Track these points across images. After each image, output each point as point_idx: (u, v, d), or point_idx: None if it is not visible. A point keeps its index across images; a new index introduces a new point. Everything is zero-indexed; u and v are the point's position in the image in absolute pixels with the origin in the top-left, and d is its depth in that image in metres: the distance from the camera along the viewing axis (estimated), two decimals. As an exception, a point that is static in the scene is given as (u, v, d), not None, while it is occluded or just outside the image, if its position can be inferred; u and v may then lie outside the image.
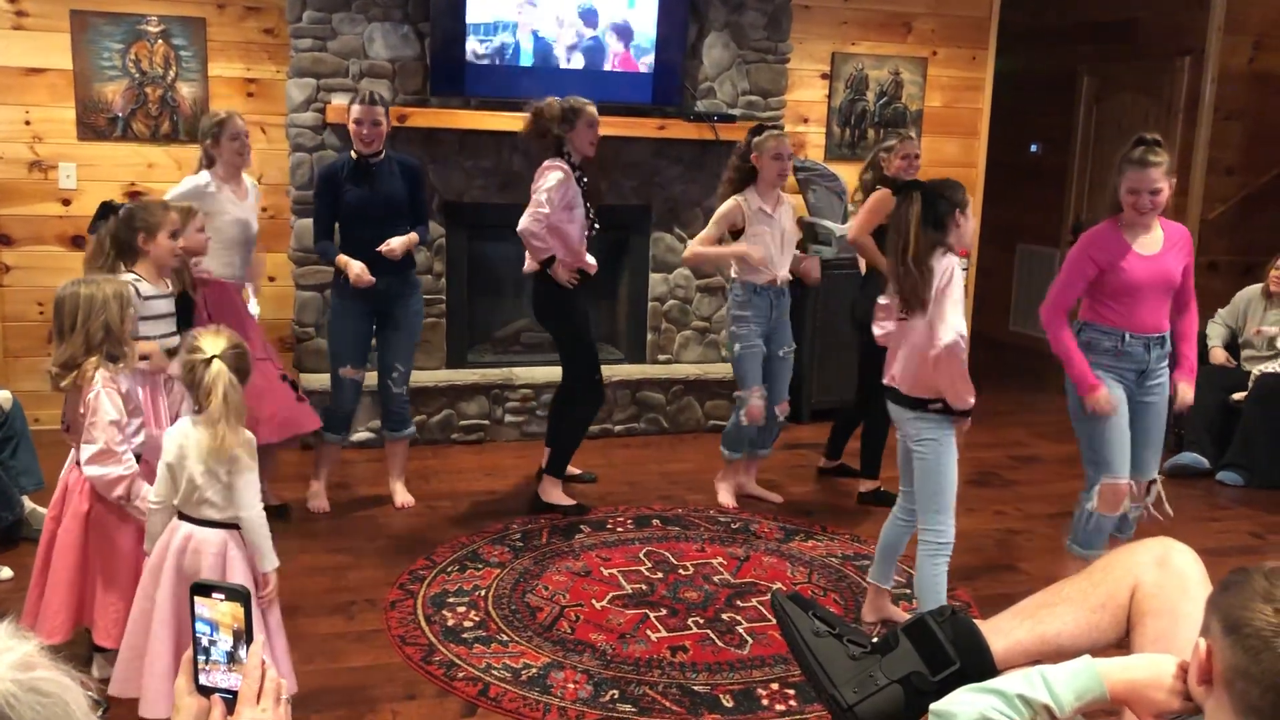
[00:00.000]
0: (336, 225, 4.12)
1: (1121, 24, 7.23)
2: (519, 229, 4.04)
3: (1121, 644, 1.87)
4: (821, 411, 5.62)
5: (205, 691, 1.25)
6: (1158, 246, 3.31)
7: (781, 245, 4.24)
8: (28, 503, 3.89)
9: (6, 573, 3.56)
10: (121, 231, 3.15)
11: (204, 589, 1.21)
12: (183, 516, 2.54)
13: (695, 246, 4.26)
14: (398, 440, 4.34)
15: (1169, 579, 1.85)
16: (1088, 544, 3.48)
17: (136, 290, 3.02)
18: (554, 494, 4.29)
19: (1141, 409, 3.41)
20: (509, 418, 5.24)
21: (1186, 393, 3.50)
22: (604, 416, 5.38)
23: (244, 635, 1.21)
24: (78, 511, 2.79)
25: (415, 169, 4.23)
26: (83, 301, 2.72)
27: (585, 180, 4.21)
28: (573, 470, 4.57)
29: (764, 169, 4.15)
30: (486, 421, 5.24)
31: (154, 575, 2.54)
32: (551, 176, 4.04)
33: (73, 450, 2.87)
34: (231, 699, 1.22)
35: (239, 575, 2.51)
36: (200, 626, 1.22)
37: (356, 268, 3.97)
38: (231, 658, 1.22)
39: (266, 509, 2.65)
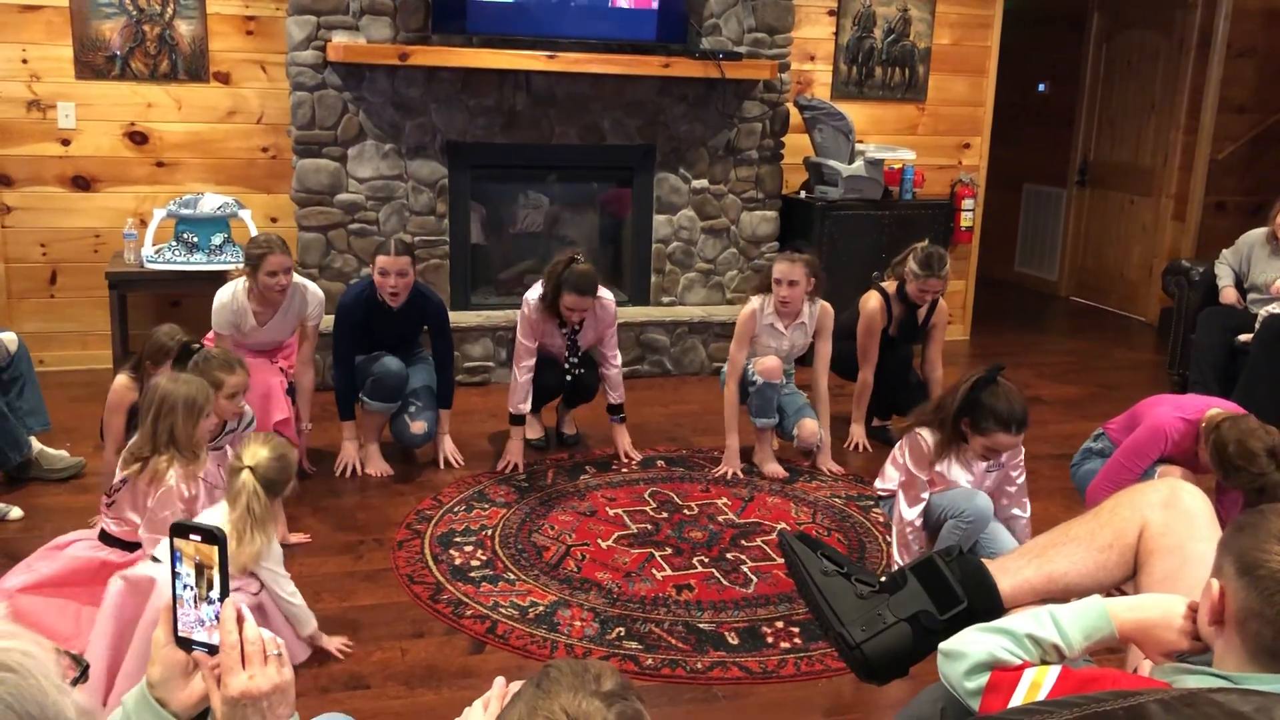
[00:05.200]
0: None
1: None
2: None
3: (1129, 583, 1.88)
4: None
5: (184, 644, 1.21)
6: None
7: (790, 352, 4.22)
8: (35, 443, 3.91)
9: (16, 512, 3.57)
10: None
11: (182, 529, 1.19)
12: None
13: (729, 382, 4.14)
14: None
15: (1176, 519, 1.86)
16: None
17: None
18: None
19: None
20: (513, 359, 5.23)
21: None
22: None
23: (222, 585, 1.18)
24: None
25: (439, 311, 4.12)
26: (157, 398, 2.77)
27: (567, 331, 4.17)
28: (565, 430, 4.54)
29: (775, 292, 4.06)
30: (491, 363, 5.24)
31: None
32: (520, 314, 4.14)
33: (101, 518, 2.90)
34: (210, 652, 1.19)
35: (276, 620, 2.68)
36: (179, 568, 1.19)
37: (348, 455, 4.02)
38: (209, 602, 1.19)
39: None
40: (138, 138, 5.07)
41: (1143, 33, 7.24)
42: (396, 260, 3.84)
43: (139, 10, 4.92)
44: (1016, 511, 3.15)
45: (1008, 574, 1.89)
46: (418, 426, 4.05)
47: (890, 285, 4.43)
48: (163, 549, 2.53)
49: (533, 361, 4.11)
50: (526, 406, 4.12)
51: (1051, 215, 8.08)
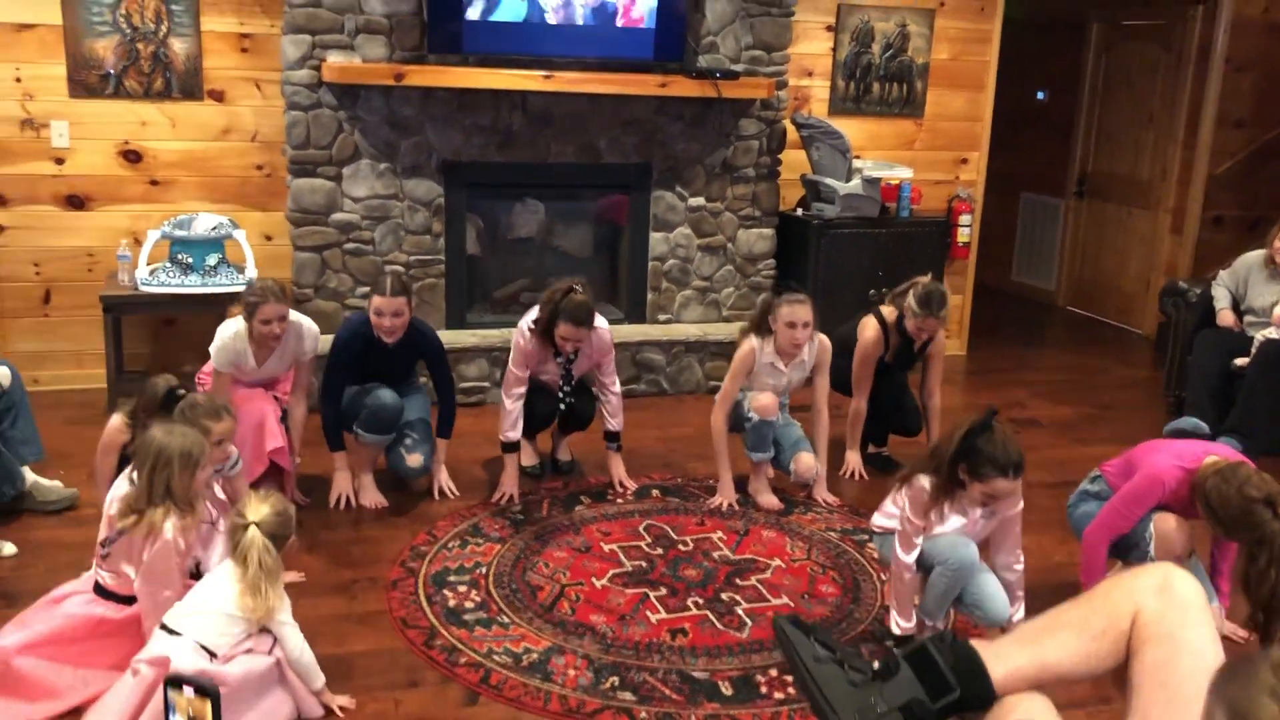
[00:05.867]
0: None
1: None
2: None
3: (1122, 671, 1.88)
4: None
5: None
6: None
7: (784, 390, 4.21)
8: (29, 474, 3.90)
9: (10, 549, 3.56)
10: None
11: (177, 682, 1.19)
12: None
13: (716, 412, 4.13)
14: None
15: (1170, 606, 1.85)
16: None
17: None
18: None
19: None
20: (509, 379, 5.22)
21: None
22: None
23: None
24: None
25: (435, 346, 4.11)
26: (153, 451, 2.74)
27: (562, 360, 4.16)
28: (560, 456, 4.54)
29: (778, 333, 4.01)
30: (486, 384, 5.23)
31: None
32: (514, 342, 4.11)
33: (96, 571, 2.89)
34: None
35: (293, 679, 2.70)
36: None
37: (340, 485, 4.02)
38: None
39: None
40: (132, 156, 5.04)
41: (1142, 45, 7.21)
42: (392, 301, 3.83)
43: (133, 28, 4.88)
44: (1016, 568, 3.12)
45: (1000, 660, 1.88)
46: (414, 460, 4.04)
47: (890, 314, 4.42)
48: (171, 645, 2.54)
49: (524, 390, 4.10)
50: (516, 434, 4.11)
51: (1049, 225, 8.07)
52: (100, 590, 2.84)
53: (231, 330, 3.83)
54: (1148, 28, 7.13)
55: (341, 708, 2.77)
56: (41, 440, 3.98)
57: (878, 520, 3.29)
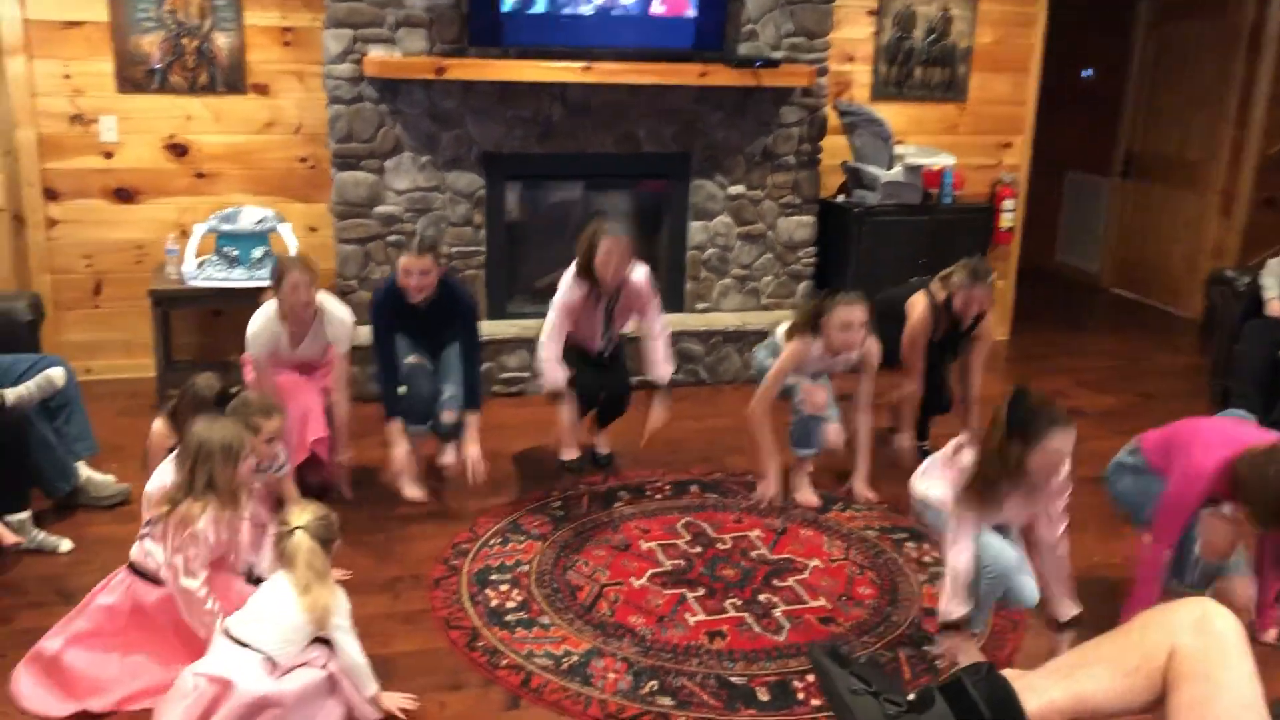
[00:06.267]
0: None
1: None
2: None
3: (1157, 707, 1.89)
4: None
5: None
6: None
7: (828, 378, 4.21)
8: (83, 469, 4.00)
9: (66, 545, 3.66)
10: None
11: None
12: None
13: (757, 406, 4.08)
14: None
15: (1208, 643, 1.86)
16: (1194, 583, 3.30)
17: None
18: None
19: None
20: (549, 369, 5.27)
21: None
22: (641, 368, 5.38)
23: None
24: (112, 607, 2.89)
25: (467, 310, 4.13)
26: (195, 444, 2.79)
27: (605, 304, 4.16)
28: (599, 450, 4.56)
29: (830, 335, 3.95)
30: (527, 374, 5.28)
31: None
32: (556, 300, 4.11)
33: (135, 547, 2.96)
34: None
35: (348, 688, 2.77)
36: None
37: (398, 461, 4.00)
38: None
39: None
40: (178, 150, 5.11)
41: (1193, 22, 7.06)
42: (418, 259, 3.86)
43: (178, 24, 4.94)
44: (1060, 552, 3.10)
45: (1035, 694, 1.90)
46: (448, 415, 4.08)
47: (939, 293, 4.38)
48: (237, 660, 2.61)
49: (563, 342, 4.09)
50: (564, 374, 4.07)
51: (1094, 205, 7.96)
52: (136, 570, 2.90)
53: (264, 314, 3.89)
54: (1199, 4, 6.98)
55: (401, 709, 2.83)
56: (94, 434, 4.09)
57: (920, 487, 3.25)
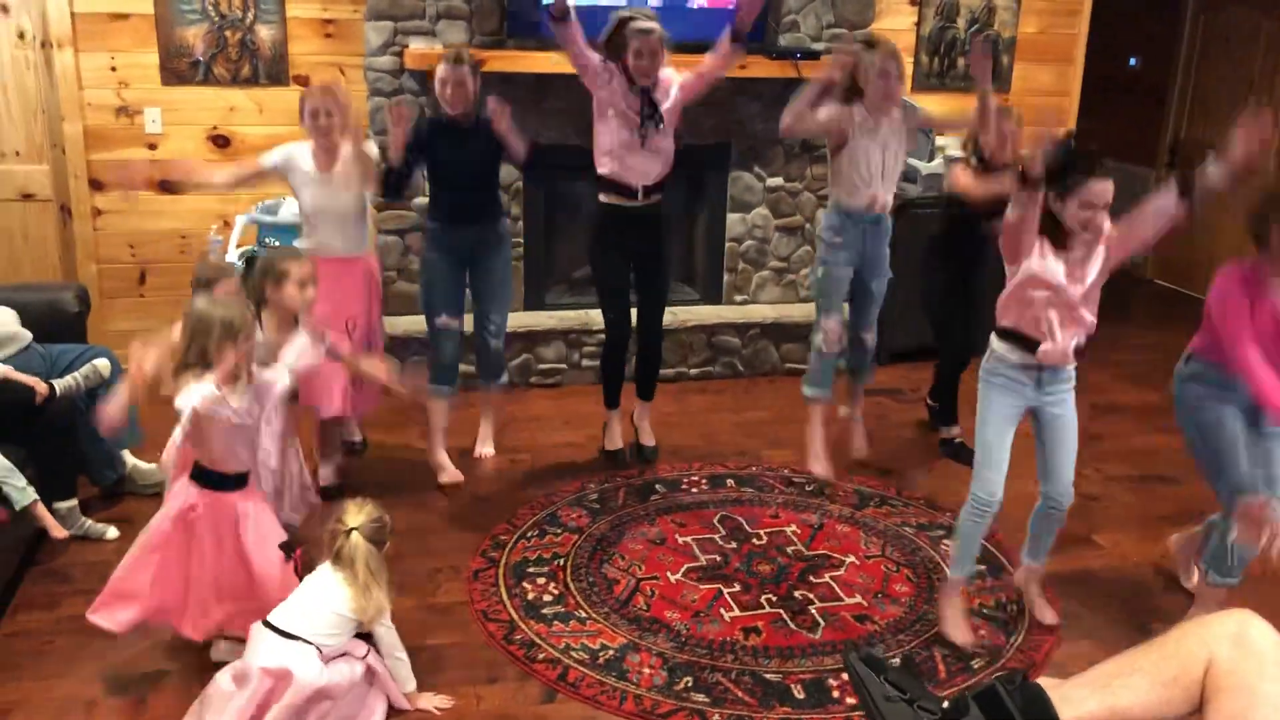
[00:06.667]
0: (426, 181, 4.22)
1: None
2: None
3: (1194, 719, 1.89)
4: (900, 354, 5.57)
5: None
6: None
7: (883, 167, 4.01)
8: (129, 458, 4.07)
9: (113, 532, 3.74)
10: (254, 279, 3.26)
11: None
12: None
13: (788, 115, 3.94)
14: (491, 390, 4.44)
15: (1246, 656, 1.85)
16: (1229, 574, 3.24)
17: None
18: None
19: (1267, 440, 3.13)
20: (585, 362, 5.29)
21: None
22: (678, 360, 5.41)
23: None
24: (179, 513, 2.91)
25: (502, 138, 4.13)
26: (193, 319, 2.78)
27: (637, 90, 4.00)
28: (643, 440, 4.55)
29: (869, 89, 3.88)
30: (564, 366, 5.30)
31: None
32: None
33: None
34: None
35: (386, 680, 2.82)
36: None
37: None
38: None
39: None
40: (221, 141, 5.17)
41: (1241, 9, 6.93)
42: (455, 69, 3.89)
43: (221, 16, 4.99)
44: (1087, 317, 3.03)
45: (1070, 704, 1.90)
46: (496, 344, 4.29)
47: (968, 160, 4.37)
48: (292, 652, 2.66)
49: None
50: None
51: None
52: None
53: (287, 147, 4.02)
54: (1249, -9, 6.85)
55: (437, 707, 2.87)
56: (139, 423, 4.16)
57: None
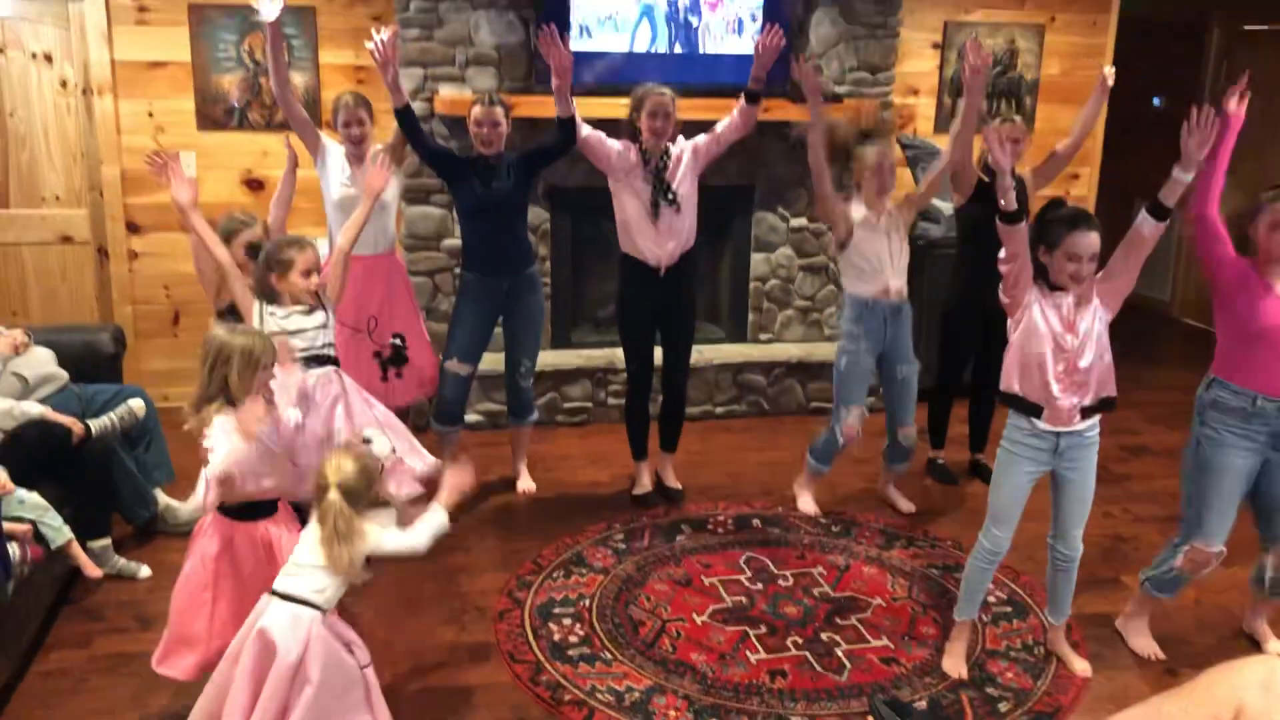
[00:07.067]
0: (456, 217, 4.51)
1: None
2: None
3: (1222, 766, 1.88)
4: (926, 391, 5.56)
5: None
6: None
7: (890, 256, 4.12)
8: (161, 496, 4.13)
9: (145, 571, 3.79)
10: (258, 270, 3.30)
11: None
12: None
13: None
14: (522, 427, 4.54)
15: (1275, 703, 1.84)
16: (1160, 589, 3.44)
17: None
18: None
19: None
20: (611, 400, 5.33)
21: None
22: (704, 399, 5.44)
23: None
24: (220, 551, 2.93)
25: (531, 146, 4.35)
26: (214, 349, 2.78)
27: (653, 166, 4.18)
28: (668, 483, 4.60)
29: (865, 184, 4.09)
30: (590, 404, 5.34)
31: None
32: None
33: None
34: None
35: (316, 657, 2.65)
36: None
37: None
38: None
39: None
40: (254, 185, 5.27)
41: (1265, 50, 6.95)
42: (490, 111, 4.08)
43: (255, 63, 5.10)
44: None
45: (1098, 750, 1.90)
46: (526, 385, 4.47)
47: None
48: (272, 612, 2.63)
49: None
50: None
51: (1165, 234, 7.80)
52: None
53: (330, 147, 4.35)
54: (1273, 33, 6.87)
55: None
56: (172, 462, 4.22)
57: None
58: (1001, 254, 3.01)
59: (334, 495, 2.64)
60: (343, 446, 2.85)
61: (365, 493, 2.70)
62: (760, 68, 4.09)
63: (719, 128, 4.23)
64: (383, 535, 2.71)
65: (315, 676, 2.57)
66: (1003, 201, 2.94)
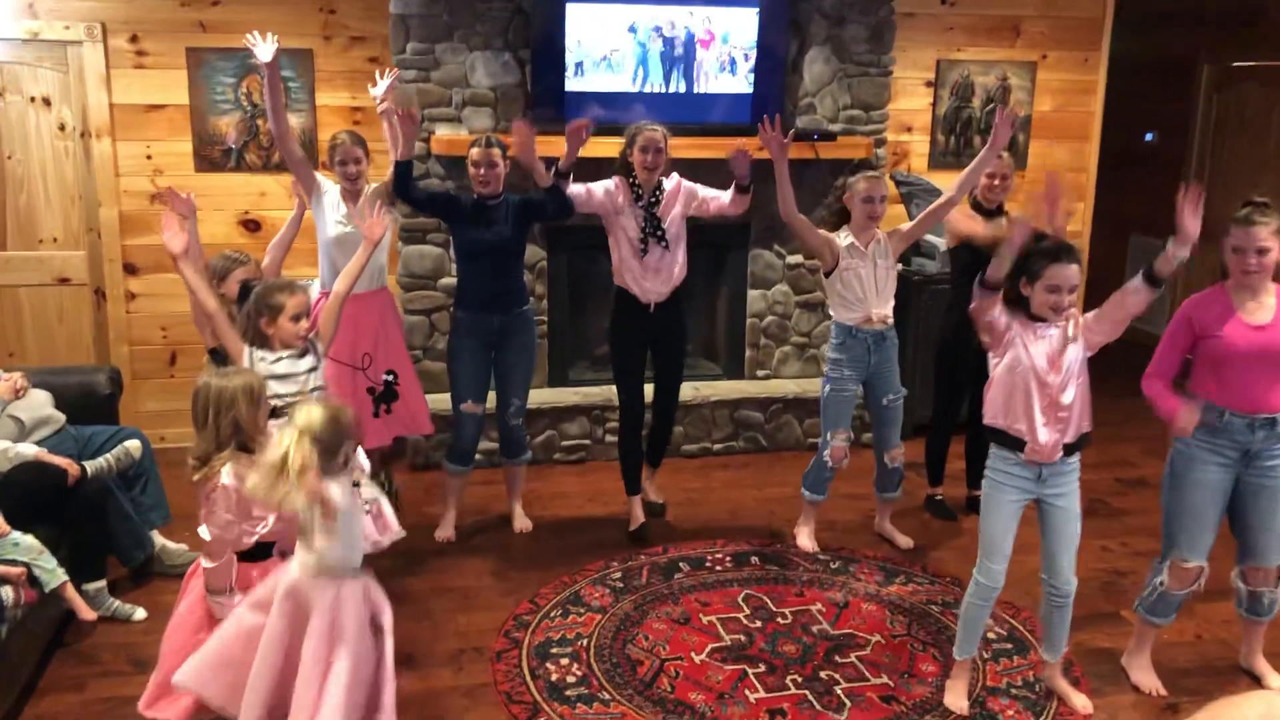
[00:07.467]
0: (454, 256, 4.57)
1: (1249, 10, 6.87)
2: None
3: (1224, 804, 1.86)
4: (923, 427, 5.56)
5: None
6: (1268, 315, 3.17)
7: (875, 284, 4.17)
8: (157, 538, 4.11)
9: (141, 613, 3.77)
10: (247, 315, 3.29)
11: None
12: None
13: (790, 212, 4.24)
14: (516, 466, 4.54)
15: (1275, 739, 1.83)
16: (1154, 612, 3.46)
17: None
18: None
19: (1256, 491, 3.26)
20: (609, 438, 5.32)
21: None
22: (702, 435, 5.44)
23: None
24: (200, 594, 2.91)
25: (529, 195, 4.39)
26: (213, 397, 2.77)
27: (644, 203, 4.29)
28: (650, 497, 4.69)
29: (854, 211, 4.15)
30: (588, 441, 5.33)
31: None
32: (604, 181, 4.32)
33: None
34: None
35: (351, 619, 2.64)
36: None
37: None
38: None
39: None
40: (251, 225, 5.29)
41: (1255, 86, 7.01)
42: (487, 153, 4.14)
43: (253, 105, 5.14)
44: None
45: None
46: (516, 420, 4.45)
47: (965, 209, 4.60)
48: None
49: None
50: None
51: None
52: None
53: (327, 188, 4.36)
54: (1262, 68, 6.93)
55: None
56: (169, 503, 4.21)
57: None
58: (973, 306, 3.08)
59: (297, 433, 2.52)
60: (318, 397, 2.83)
61: (330, 444, 2.58)
62: (741, 176, 4.32)
63: (715, 196, 4.38)
64: (341, 506, 2.59)
65: (346, 630, 2.61)
66: (990, 271, 3.01)
